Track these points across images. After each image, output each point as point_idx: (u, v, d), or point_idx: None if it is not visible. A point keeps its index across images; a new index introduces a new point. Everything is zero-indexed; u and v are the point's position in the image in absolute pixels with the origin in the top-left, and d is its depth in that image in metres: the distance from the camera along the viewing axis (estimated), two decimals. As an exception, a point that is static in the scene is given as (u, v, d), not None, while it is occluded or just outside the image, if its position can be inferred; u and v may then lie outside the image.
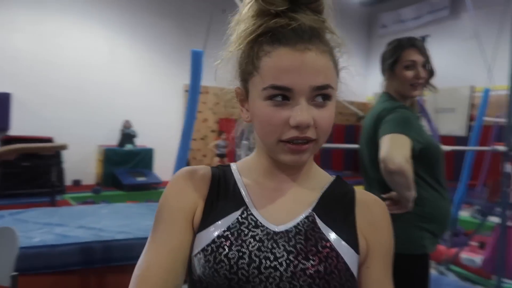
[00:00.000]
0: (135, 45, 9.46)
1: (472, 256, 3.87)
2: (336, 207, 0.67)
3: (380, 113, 1.61)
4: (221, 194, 0.66)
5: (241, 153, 1.99)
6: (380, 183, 1.55)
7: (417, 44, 1.68)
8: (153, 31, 9.69)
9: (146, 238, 0.64)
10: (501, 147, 3.36)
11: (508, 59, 3.35)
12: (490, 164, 6.63)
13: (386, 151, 1.42)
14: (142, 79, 9.68)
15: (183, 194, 0.65)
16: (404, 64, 1.66)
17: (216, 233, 0.61)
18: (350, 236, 0.64)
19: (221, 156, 9.45)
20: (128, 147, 8.80)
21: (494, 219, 4.15)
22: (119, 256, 2.94)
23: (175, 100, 10.22)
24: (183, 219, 0.63)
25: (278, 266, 0.59)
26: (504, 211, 3.42)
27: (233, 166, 0.71)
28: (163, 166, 9.61)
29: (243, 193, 0.66)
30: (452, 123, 4.67)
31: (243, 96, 0.66)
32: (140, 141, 9.15)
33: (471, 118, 6.74)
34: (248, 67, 0.62)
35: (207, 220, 0.63)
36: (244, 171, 0.70)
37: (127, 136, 8.85)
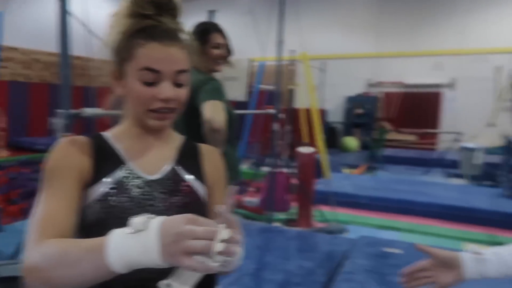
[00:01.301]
0: None
1: (252, 199, 4.81)
2: (189, 158, 0.91)
3: (197, 84, 1.91)
4: (103, 157, 0.82)
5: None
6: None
7: (220, 29, 2.09)
8: None
9: None
10: (271, 110, 4.19)
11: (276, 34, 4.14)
12: (262, 124, 7.95)
13: (210, 114, 1.76)
14: None
15: (71, 157, 0.79)
16: (212, 45, 2.04)
17: (107, 186, 0.78)
18: (200, 177, 0.90)
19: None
20: None
21: (266, 169, 5.21)
22: None
23: None
24: (74, 177, 0.78)
25: (156, 203, 0.81)
26: (274, 161, 4.37)
27: (105, 134, 0.88)
28: None
29: (122, 154, 0.84)
30: (235, 90, 5.44)
31: (118, 76, 0.83)
32: None
33: (249, 86, 7.88)
34: (124, 55, 0.80)
35: (96, 177, 0.79)
36: (117, 137, 0.87)
37: None
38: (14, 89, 9.44)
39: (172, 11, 0.82)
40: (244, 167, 6.28)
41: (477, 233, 4.06)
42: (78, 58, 2.66)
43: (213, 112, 1.78)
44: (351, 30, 10.89)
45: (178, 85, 0.81)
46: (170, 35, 0.80)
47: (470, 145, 6.14)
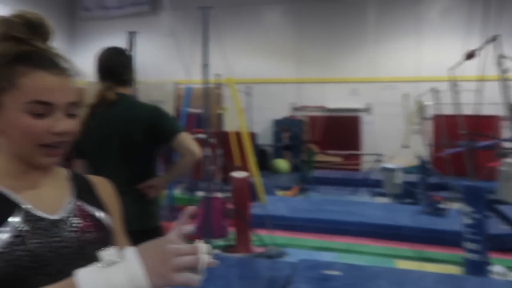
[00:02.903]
0: None
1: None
2: (86, 191, 0.84)
3: (154, 111, 1.85)
4: None
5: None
6: (128, 175, 1.77)
7: None
8: None
9: None
10: (201, 135, 4.06)
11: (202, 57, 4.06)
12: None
13: (194, 146, 1.82)
14: None
15: None
16: None
17: (6, 236, 0.67)
18: (102, 207, 0.84)
19: None
20: None
21: (200, 193, 5.02)
22: None
23: None
24: None
25: (68, 244, 0.73)
26: (207, 186, 4.22)
27: None
28: None
29: (11, 197, 0.72)
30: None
31: None
32: None
33: (176, 109, 7.64)
34: (2, 84, 0.70)
35: None
36: None
37: None
38: None
39: (45, 35, 0.75)
40: (177, 192, 6.01)
41: (405, 250, 4.27)
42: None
43: (193, 144, 1.82)
44: (274, 56, 11.27)
45: (70, 116, 0.74)
46: (56, 63, 0.73)
47: (390, 165, 6.56)
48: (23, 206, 0.72)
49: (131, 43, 5.50)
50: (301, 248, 4.33)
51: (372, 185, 7.10)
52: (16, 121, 0.70)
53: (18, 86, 0.69)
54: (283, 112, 11.14)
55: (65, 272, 0.68)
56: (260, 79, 11.24)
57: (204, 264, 0.59)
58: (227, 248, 4.28)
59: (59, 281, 0.59)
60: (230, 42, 10.21)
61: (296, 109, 11.25)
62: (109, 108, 1.82)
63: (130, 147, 1.80)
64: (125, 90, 1.90)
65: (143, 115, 1.82)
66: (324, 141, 10.58)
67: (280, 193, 7.16)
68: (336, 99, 10.96)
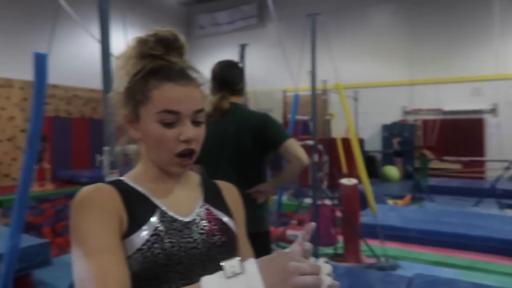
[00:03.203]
0: None
1: (295, 232, 4.61)
2: (214, 196, 0.90)
3: (263, 118, 1.94)
4: (133, 203, 0.77)
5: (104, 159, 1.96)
6: (238, 180, 1.86)
7: None
8: None
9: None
10: (310, 141, 4.06)
11: (310, 64, 4.07)
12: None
13: (301, 152, 1.85)
14: None
15: (107, 207, 0.74)
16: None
17: (146, 234, 0.74)
18: (228, 212, 0.88)
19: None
20: None
21: (307, 200, 5.02)
22: None
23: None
24: (116, 228, 0.73)
25: (197, 245, 0.78)
26: (315, 193, 4.20)
27: (125, 179, 0.83)
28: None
29: (151, 199, 0.80)
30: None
31: (132, 119, 0.81)
32: None
33: (284, 117, 7.80)
34: (139, 97, 0.78)
35: (132, 226, 0.75)
36: (137, 181, 0.83)
37: None
38: (56, 124, 9.80)
39: (179, 50, 0.82)
40: (284, 198, 6.12)
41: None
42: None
43: (300, 150, 1.85)
44: (382, 58, 10.78)
45: (196, 124, 0.80)
46: (184, 75, 0.79)
47: (523, 173, 5.74)
48: (160, 208, 0.79)
49: (241, 55, 5.79)
50: (415, 262, 4.03)
51: (501, 195, 6.30)
52: (150, 131, 0.78)
53: (150, 99, 0.77)
54: (392, 116, 10.58)
55: (193, 271, 0.76)
56: (368, 83, 10.86)
57: (325, 285, 0.57)
58: (335, 257, 4.20)
59: (188, 285, 0.63)
60: (336, 47, 10.09)
61: (407, 113, 10.59)
62: (223, 117, 1.94)
63: (241, 153, 1.90)
64: (237, 100, 2.02)
65: (253, 122, 1.91)
66: (440, 147, 9.74)
67: (391, 201, 6.79)
68: (455, 100, 10.03)
